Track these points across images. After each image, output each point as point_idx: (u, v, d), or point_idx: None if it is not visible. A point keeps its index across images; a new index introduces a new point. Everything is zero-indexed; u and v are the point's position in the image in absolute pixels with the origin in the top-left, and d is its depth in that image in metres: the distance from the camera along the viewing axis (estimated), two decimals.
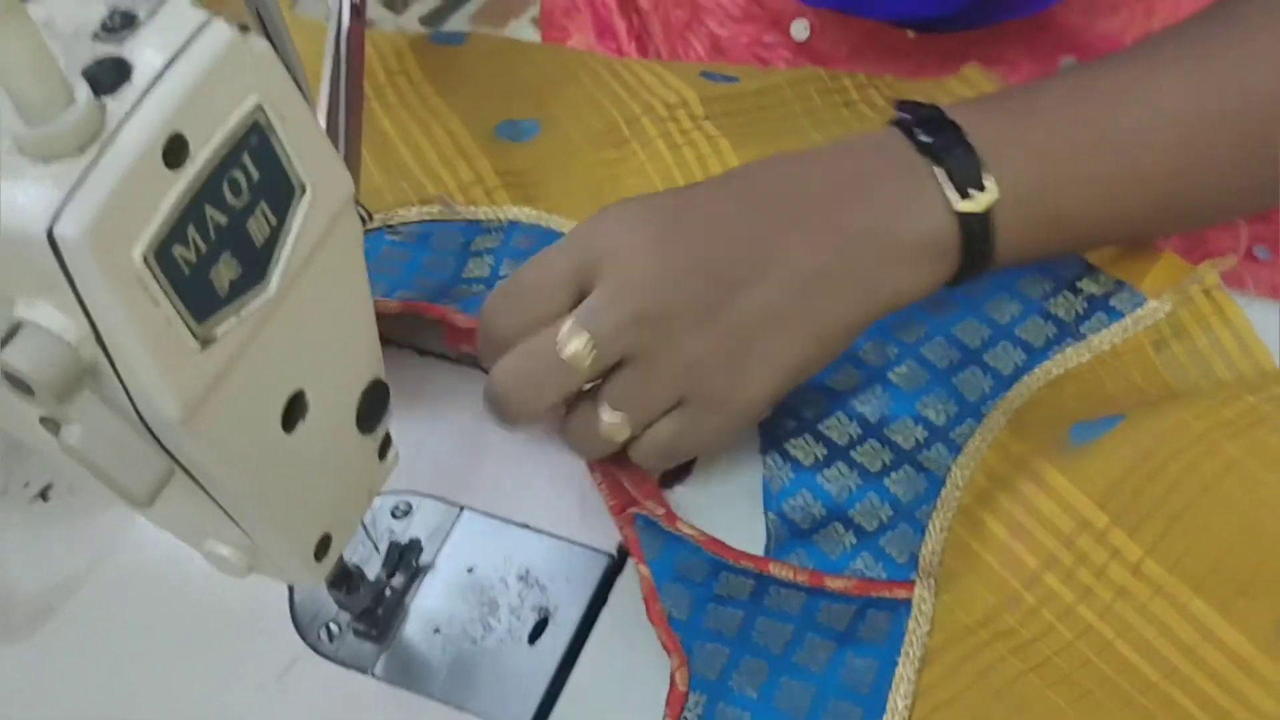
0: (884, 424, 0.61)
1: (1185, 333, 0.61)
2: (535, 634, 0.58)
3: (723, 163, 0.71)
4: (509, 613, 0.58)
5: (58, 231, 0.35)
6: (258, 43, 0.39)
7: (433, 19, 2.28)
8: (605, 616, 0.58)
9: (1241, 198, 0.61)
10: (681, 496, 0.61)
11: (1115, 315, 0.62)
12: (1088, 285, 0.64)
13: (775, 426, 0.61)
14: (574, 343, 0.54)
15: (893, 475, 0.60)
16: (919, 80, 0.74)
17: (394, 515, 0.61)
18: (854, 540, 0.58)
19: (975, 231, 0.56)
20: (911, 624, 0.55)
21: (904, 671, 0.54)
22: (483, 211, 0.72)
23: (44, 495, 0.67)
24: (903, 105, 0.59)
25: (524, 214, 0.71)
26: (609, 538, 0.60)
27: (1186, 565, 0.53)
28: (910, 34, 0.77)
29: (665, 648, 0.55)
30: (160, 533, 0.62)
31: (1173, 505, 0.54)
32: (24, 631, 0.62)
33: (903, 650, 0.55)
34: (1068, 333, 0.62)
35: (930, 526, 0.58)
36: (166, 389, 0.38)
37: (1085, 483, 0.56)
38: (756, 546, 0.59)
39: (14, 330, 0.37)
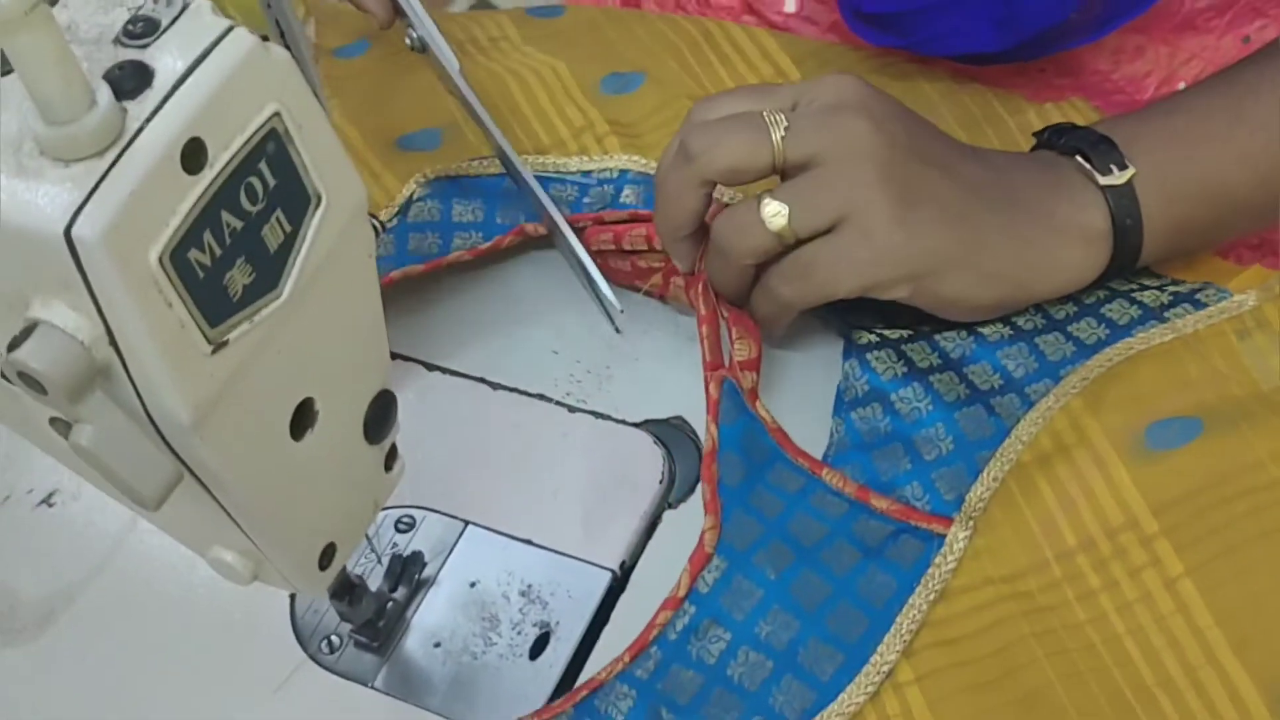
0: (964, 362, 0.62)
1: (1268, 326, 0.61)
2: (536, 650, 0.58)
3: None
4: (510, 628, 0.58)
5: (75, 232, 0.35)
6: (277, 51, 0.39)
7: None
8: (607, 634, 0.58)
9: None
10: (767, 382, 0.63)
11: (1200, 306, 0.63)
12: (1174, 286, 0.64)
13: (860, 336, 0.63)
14: (774, 120, 0.58)
15: (964, 410, 0.60)
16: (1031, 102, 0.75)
17: (398, 528, 0.61)
18: (909, 465, 0.59)
19: (1123, 206, 0.60)
20: (939, 558, 0.56)
21: (917, 600, 0.55)
22: (593, 161, 0.72)
23: (48, 501, 0.67)
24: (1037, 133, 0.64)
25: (634, 163, 0.72)
26: (613, 555, 0.60)
27: (1220, 596, 0.53)
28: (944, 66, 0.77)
29: (706, 507, 0.57)
30: (163, 540, 0.63)
31: (1229, 538, 0.54)
32: (27, 636, 0.62)
33: (923, 579, 0.55)
34: (1152, 315, 0.63)
35: (984, 472, 0.58)
36: (177, 391, 0.38)
37: (1148, 488, 0.56)
38: (818, 448, 0.60)
39: (29, 329, 0.37)
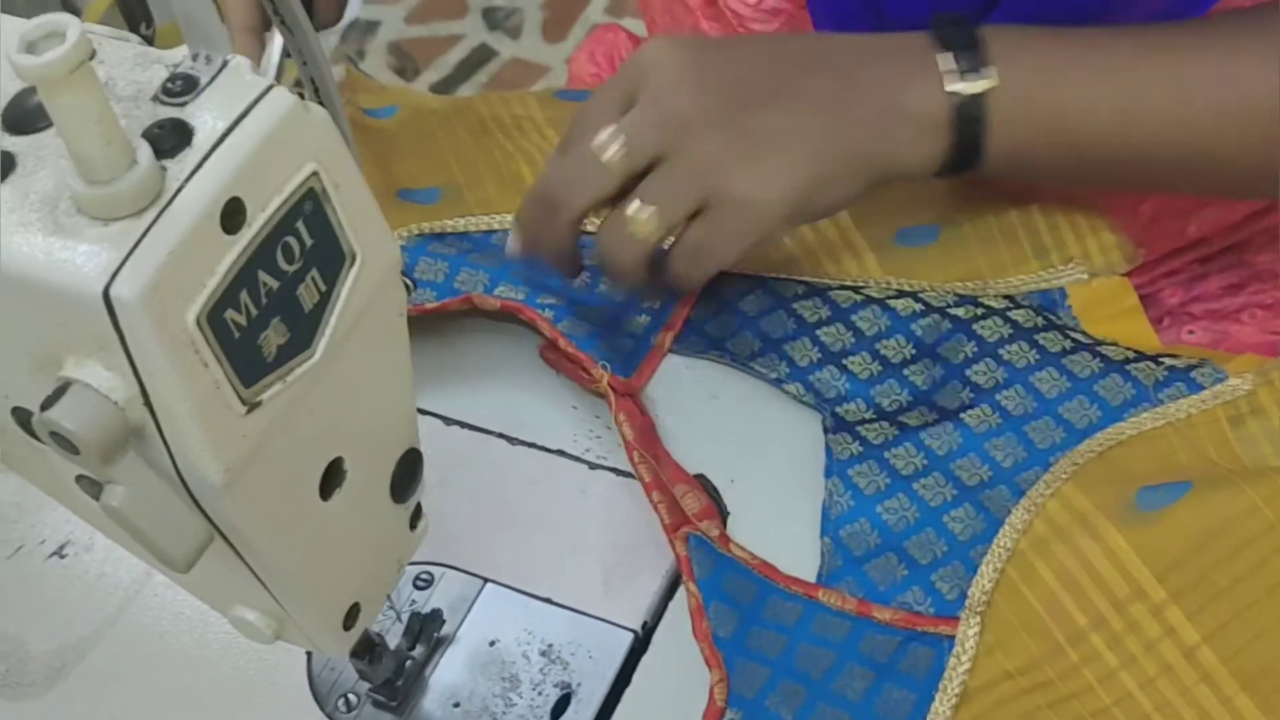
0: (950, 458, 0.61)
1: (1263, 412, 0.61)
2: (557, 711, 0.57)
3: (831, 218, 0.72)
4: (531, 688, 0.58)
5: (114, 292, 0.35)
6: (316, 110, 0.39)
7: (443, 87, 2.29)
8: (629, 695, 0.57)
9: (1243, 181, 0.67)
10: (740, 518, 0.62)
11: (1195, 387, 0.62)
12: (1169, 360, 0.64)
13: (842, 450, 0.62)
14: (609, 138, 0.61)
15: (952, 512, 0.60)
16: None
17: (416, 585, 0.61)
18: (906, 572, 0.59)
19: (968, 116, 0.62)
20: (952, 660, 0.56)
21: (940, 708, 0.54)
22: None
23: (60, 553, 0.66)
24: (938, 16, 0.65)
25: None
26: (634, 615, 0.59)
27: (1241, 660, 0.53)
28: None
29: (707, 662, 0.56)
30: (178, 594, 0.62)
31: (1238, 599, 0.54)
32: (36, 690, 0.61)
33: (940, 686, 0.55)
34: (1145, 396, 0.62)
35: (983, 566, 0.58)
36: (210, 452, 0.38)
37: (1146, 551, 0.56)
38: (809, 571, 0.59)
39: (62, 389, 0.36)
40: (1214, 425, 0.61)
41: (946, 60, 0.62)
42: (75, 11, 2.24)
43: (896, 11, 0.70)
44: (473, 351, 0.70)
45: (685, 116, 0.60)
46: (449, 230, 0.73)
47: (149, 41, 0.42)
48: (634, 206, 0.61)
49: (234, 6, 0.69)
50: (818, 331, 0.66)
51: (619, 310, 0.69)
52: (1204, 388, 0.63)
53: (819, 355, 0.65)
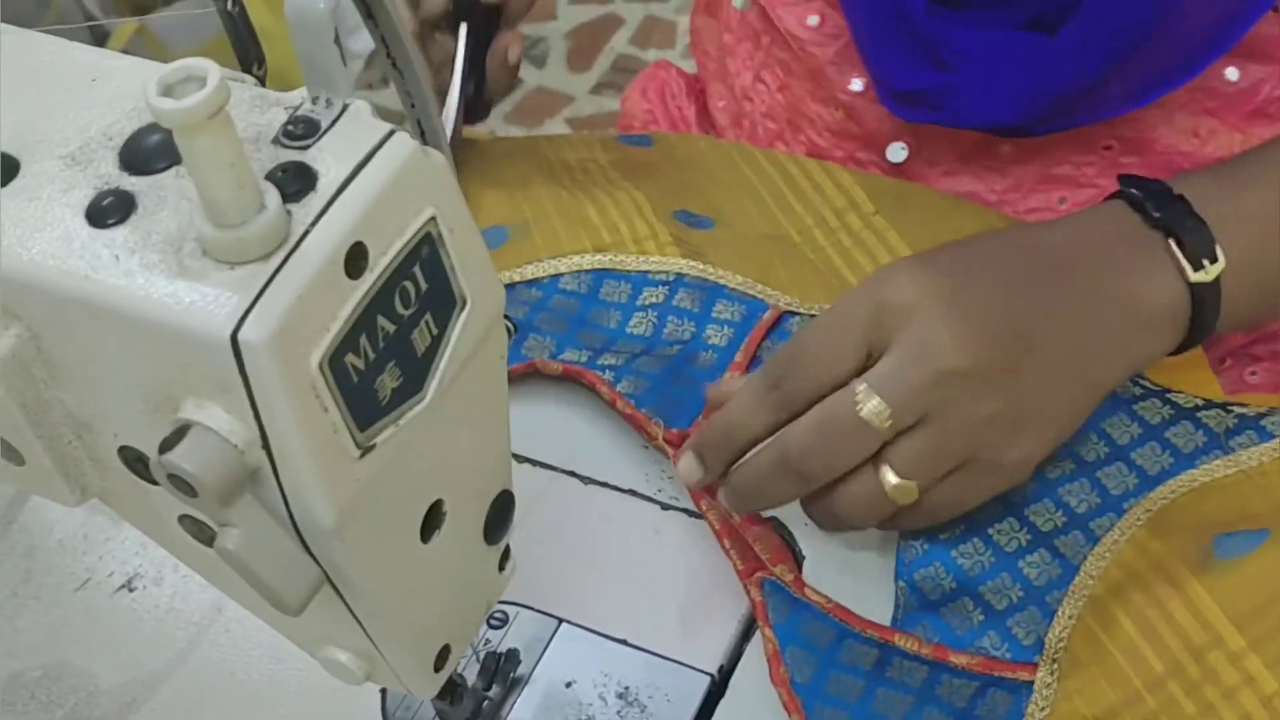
0: (1024, 504, 0.61)
1: None
2: None
3: (892, 253, 0.73)
4: None
5: (242, 337, 0.35)
6: (434, 155, 0.39)
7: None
8: None
9: None
10: (815, 562, 0.62)
11: (1265, 435, 0.62)
12: (1239, 408, 0.64)
13: None
14: (871, 403, 0.54)
15: (1028, 557, 0.60)
16: None
17: (490, 624, 0.60)
18: (982, 617, 0.58)
19: (1206, 300, 0.59)
20: (1031, 707, 0.55)
21: None
22: (652, 261, 0.73)
23: (129, 586, 0.66)
24: (1126, 179, 0.61)
25: (691, 267, 0.72)
26: (711, 658, 0.59)
27: None
28: (1006, 148, 0.78)
29: (785, 707, 0.56)
30: (249, 628, 0.62)
31: None
32: None
33: None
34: (1216, 444, 0.62)
35: (1060, 612, 0.58)
36: (324, 495, 0.38)
37: (1224, 599, 0.55)
38: (884, 615, 0.59)
39: (182, 431, 0.36)
40: None
41: (1178, 250, 0.59)
42: (103, 36, 2.24)
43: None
44: (545, 391, 0.70)
45: (956, 376, 0.55)
46: (517, 280, 0.73)
47: (261, 82, 0.42)
48: (894, 480, 0.56)
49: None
50: None
51: (681, 359, 0.69)
52: (1275, 435, 0.63)
53: None
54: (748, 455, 0.58)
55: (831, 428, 0.55)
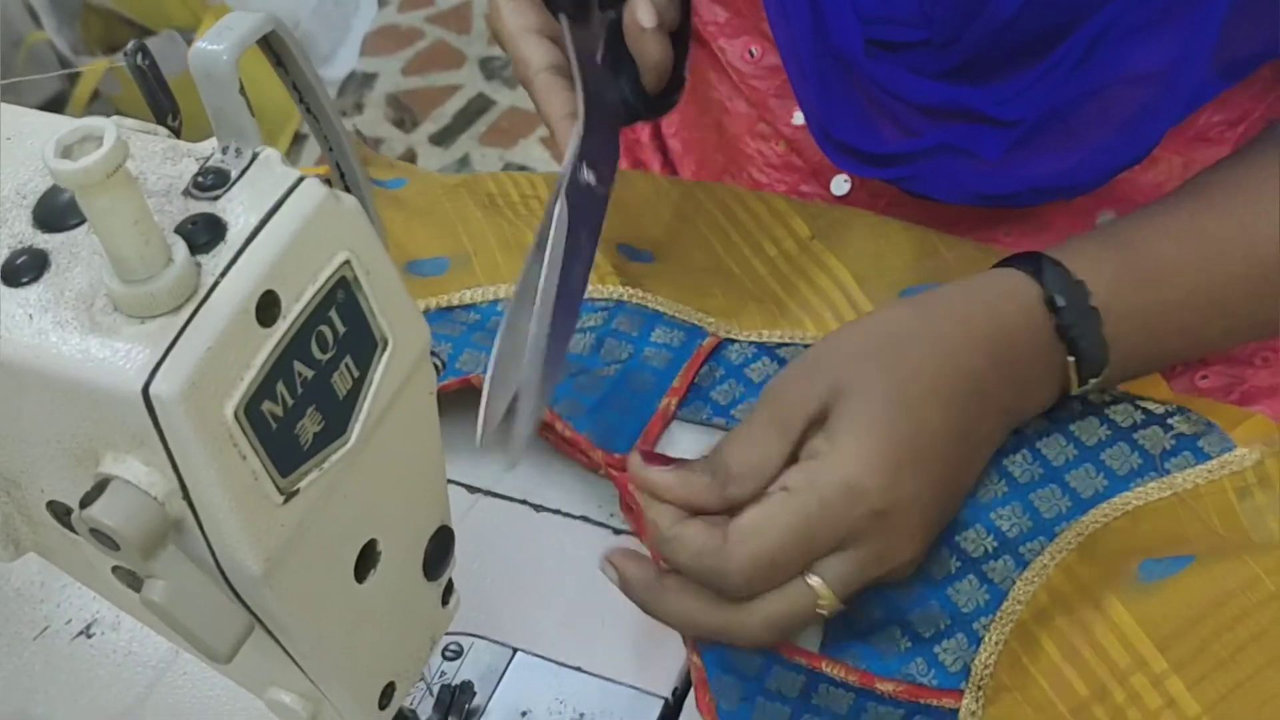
0: (956, 530, 0.61)
1: (1270, 484, 0.61)
2: None
3: (832, 278, 0.73)
4: None
5: (153, 390, 0.35)
6: (347, 199, 0.39)
7: (442, 138, 2.31)
8: None
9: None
10: None
11: (1202, 456, 0.63)
12: (1179, 423, 0.64)
13: None
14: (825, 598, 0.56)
15: (956, 584, 0.60)
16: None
17: (445, 656, 0.61)
18: (909, 644, 0.58)
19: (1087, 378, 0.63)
20: None
21: None
22: (592, 289, 0.73)
23: (87, 632, 0.66)
24: (1043, 262, 0.63)
25: (631, 294, 0.73)
26: (664, 682, 0.59)
27: None
28: None
29: None
30: (206, 672, 0.62)
31: (1238, 671, 0.54)
32: None
33: None
34: (1151, 465, 0.62)
35: (986, 638, 0.58)
36: (249, 543, 0.38)
37: (1148, 622, 0.55)
38: (812, 643, 0.59)
39: (101, 485, 0.37)
40: (1220, 497, 0.61)
41: (1074, 369, 0.62)
42: (75, 74, 2.23)
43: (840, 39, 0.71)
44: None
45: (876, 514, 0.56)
46: (456, 304, 0.73)
47: (176, 133, 0.42)
48: (821, 600, 0.56)
49: (550, 97, 0.68)
50: None
51: (619, 380, 0.69)
52: (1211, 457, 0.63)
53: None
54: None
55: (786, 625, 0.56)
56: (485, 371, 0.68)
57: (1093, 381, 0.63)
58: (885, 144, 0.73)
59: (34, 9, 2.24)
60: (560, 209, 0.61)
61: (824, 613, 0.56)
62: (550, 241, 0.61)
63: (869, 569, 0.56)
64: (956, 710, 0.56)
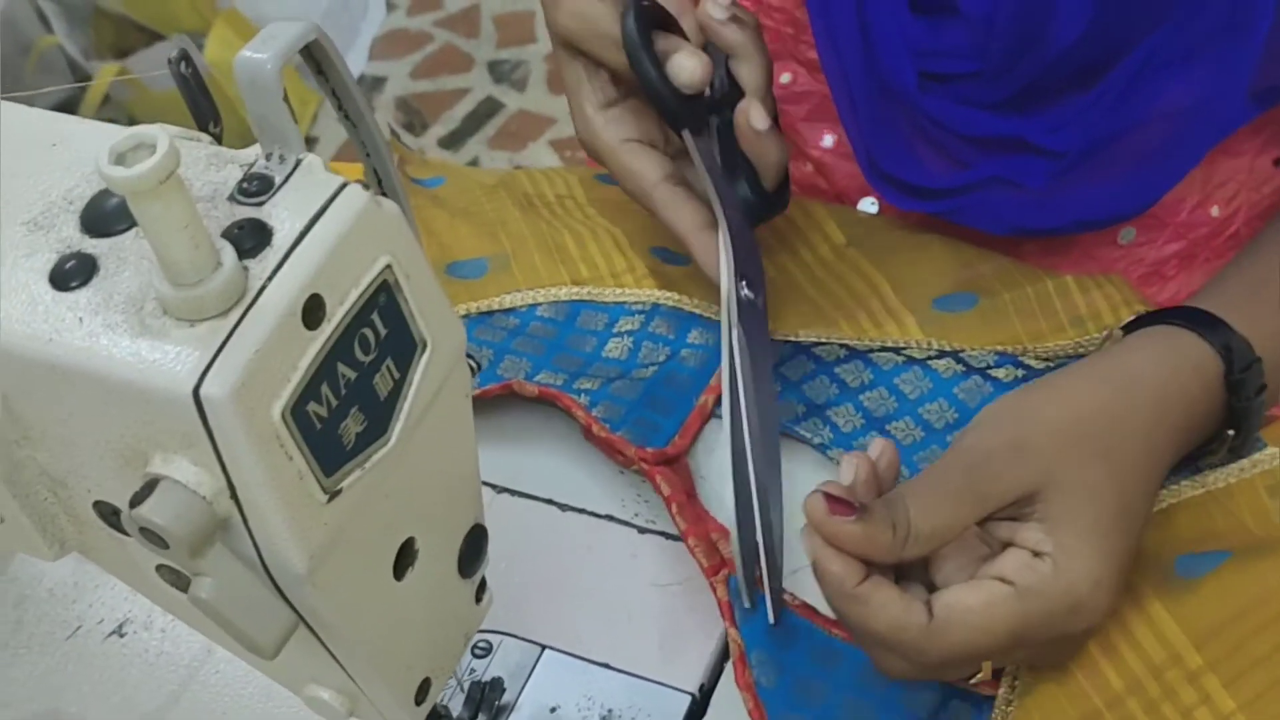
0: None
1: None
2: None
3: (868, 283, 0.73)
4: None
5: (204, 392, 0.36)
6: (388, 205, 0.40)
7: (451, 141, 2.32)
8: None
9: None
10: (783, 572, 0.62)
11: (1235, 454, 0.63)
12: None
13: None
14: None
15: None
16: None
17: (474, 653, 0.61)
18: None
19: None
20: None
21: None
22: (629, 293, 0.74)
23: (119, 632, 0.67)
24: (1219, 326, 0.61)
25: (667, 297, 0.73)
26: (691, 677, 0.60)
27: None
28: None
29: (750, 715, 0.57)
30: (238, 670, 0.63)
31: (1275, 669, 0.55)
32: None
33: None
34: (1185, 464, 0.63)
35: None
36: (294, 541, 0.39)
37: (1185, 619, 0.56)
38: None
39: (151, 485, 0.37)
40: (1252, 495, 0.62)
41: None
42: (86, 77, 2.23)
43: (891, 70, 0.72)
44: (521, 420, 0.71)
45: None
46: (496, 309, 0.74)
47: (218, 140, 0.43)
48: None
49: (678, 210, 0.68)
50: (860, 396, 0.67)
51: (656, 381, 0.69)
52: (1243, 456, 0.63)
53: (862, 420, 0.66)
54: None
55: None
56: (526, 377, 0.69)
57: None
58: (933, 178, 0.73)
59: (44, 13, 2.25)
60: (738, 338, 0.62)
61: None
62: (738, 371, 0.62)
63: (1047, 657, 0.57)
64: (992, 698, 0.57)
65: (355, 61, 2.44)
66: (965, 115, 0.71)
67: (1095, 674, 0.56)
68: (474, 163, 2.26)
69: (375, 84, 2.40)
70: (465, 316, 0.74)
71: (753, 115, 0.66)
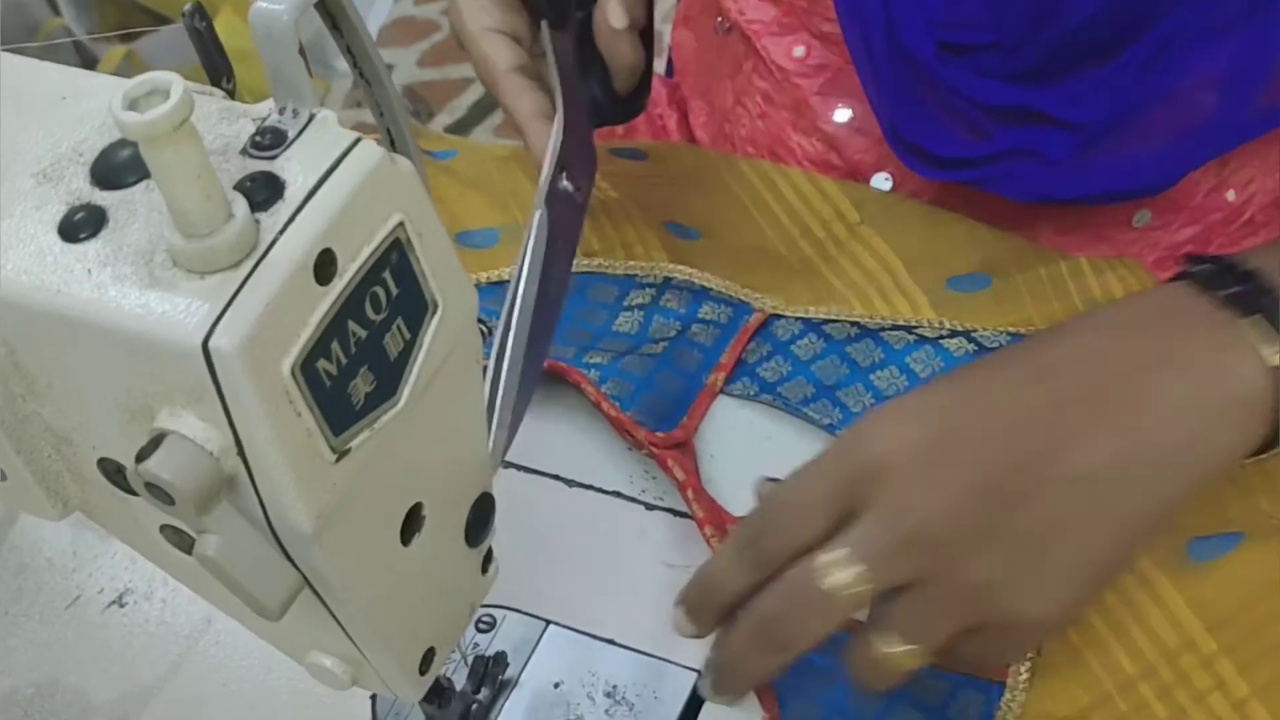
0: None
1: None
2: None
3: (881, 262, 0.73)
4: None
5: (213, 344, 0.35)
6: (402, 162, 0.40)
7: (457, 130, 2.31)
8: None
9: None
10: None
11: None
12: None
13: None
14: (834, 577, 0.50)
15: None
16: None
17: (478, 628, 0.61)
18: None
19: None
20: (1003, 706, 0.56)
21: None
22: (640, 266, 0.74)
23: (119, 602, 0.66)
24: (1190, 258, 0.55)
25: (678, 271, 0.73)
26: (696, 654, 0.59)
27: None
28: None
29: (760, 700, 0.56)
30: (239, 640, 0.63)
31: None
32: None
33: None
34: None
35: None
36: (301, 500, 0.38)
37: (1199, 604, 0.56)
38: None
39: (158, 440, 0.37)
40: (1267, 478, 0.61)
41: (1261, 328, 0.51)
42: (92, 60, 2.24)
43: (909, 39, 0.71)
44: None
45: (941, 536, 0.49)
46: (507, 278, 0.74)
47: (231, 95, 0.42)
48: (888, 642, 0.51)
49: (519, 97, 0.68)
50: (871, 376, 0.66)
51: (665, 357, 0.69)
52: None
53: (872, 399, 0.66)
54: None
55: (797, 597, 0.51)
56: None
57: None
58: (956, 147, 0.73)
59: None
60: (540, 218, 0.62)
61: (901, 658, 0.51)
62: (529, 251, 0.61)
63: (890, 529, 0.50)
64: (1003, 683, 0.57)
65: None
66: (984, 86, 0.70)
67: (1107, 659, 0.56)
68: None
69: None
70: (476, 285, 0.73)
71: (610, 12, 0.66)
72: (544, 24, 0.68)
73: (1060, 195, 0.73)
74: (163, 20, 2.28)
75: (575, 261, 0.74)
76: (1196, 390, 0.51)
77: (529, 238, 0.62)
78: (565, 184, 0.64)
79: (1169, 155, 0.69)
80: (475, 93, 2.37)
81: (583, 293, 0.73)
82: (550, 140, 0.65)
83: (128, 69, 2.22)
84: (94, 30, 2.33)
